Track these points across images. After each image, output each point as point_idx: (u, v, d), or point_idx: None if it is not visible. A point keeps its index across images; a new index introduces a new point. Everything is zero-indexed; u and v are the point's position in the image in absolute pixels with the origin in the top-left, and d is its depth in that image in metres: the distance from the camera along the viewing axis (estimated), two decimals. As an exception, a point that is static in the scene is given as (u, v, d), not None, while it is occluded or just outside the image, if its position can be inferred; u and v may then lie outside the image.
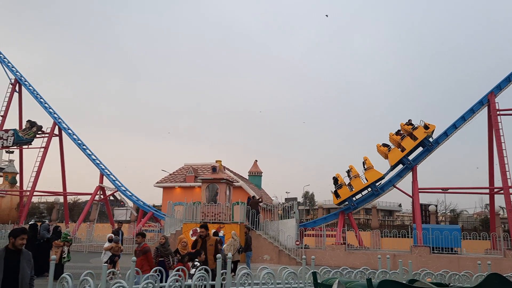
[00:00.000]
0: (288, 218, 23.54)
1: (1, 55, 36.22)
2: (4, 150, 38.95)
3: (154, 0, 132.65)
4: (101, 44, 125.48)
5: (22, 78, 35.66)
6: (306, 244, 23.58)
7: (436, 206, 35.39)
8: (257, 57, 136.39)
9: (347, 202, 24.35)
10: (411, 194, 24.35)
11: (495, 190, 24.95)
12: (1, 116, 34.65)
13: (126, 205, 37.45)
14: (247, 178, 36.97)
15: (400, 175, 24.49)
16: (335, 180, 24.50)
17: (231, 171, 34.52)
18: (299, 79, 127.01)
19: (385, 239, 25.86)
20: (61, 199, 37.16)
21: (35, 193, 33.90)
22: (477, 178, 77.41)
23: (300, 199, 61.93)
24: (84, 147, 33.81)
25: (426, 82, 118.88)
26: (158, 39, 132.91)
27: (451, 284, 6.88)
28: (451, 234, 21.35)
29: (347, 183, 24.21)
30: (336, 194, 24.22)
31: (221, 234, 17.54)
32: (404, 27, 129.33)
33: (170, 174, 37.27)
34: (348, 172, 24.63)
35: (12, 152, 40.99)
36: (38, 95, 35.00)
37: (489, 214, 29.30)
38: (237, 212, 22.36)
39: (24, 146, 34.73)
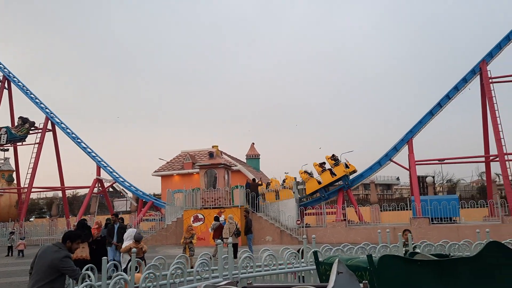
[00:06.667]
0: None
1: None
2: (-2, 149, 38.72)
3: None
4: (90, 37, 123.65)
5: (11, 75, 35.20)
6: (307, 223, 23.78)
7: (433, 177, 35.75)
8: (247, 38, 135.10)
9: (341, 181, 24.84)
10: (408, 167, 24.49)
11: (491, 157, 25.14)
12: (-7, 114, 34.41)
13: (125, 196, 37.49)
14: (245, 162, 37.02)
15: (396, 149, 24.61)
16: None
17: (229, 156, 34.54)
18: (291, 58, 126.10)
19: (385, 213, 26.12)
20: (59, 193, 37.19)
21: (33, 190, 33.88)
22: (472, 147, 77.68)
23: (299, 179, 62.00)
24: (79, 140, 33.68)
25: (419, 55, 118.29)
26: (148, 26, 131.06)
27: (451, 254, 6.95)
28: (449, 204, 21.62)
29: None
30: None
31: (221, 219, 17.62)
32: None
33: (167, 162, 37.25)
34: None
35: (7, 150, 40.82)
36: (28, 91, 34.62)
37: (485, 182, 29.55)
38: (236, 196, 22.47)
39: (18, 143, 34.55)
